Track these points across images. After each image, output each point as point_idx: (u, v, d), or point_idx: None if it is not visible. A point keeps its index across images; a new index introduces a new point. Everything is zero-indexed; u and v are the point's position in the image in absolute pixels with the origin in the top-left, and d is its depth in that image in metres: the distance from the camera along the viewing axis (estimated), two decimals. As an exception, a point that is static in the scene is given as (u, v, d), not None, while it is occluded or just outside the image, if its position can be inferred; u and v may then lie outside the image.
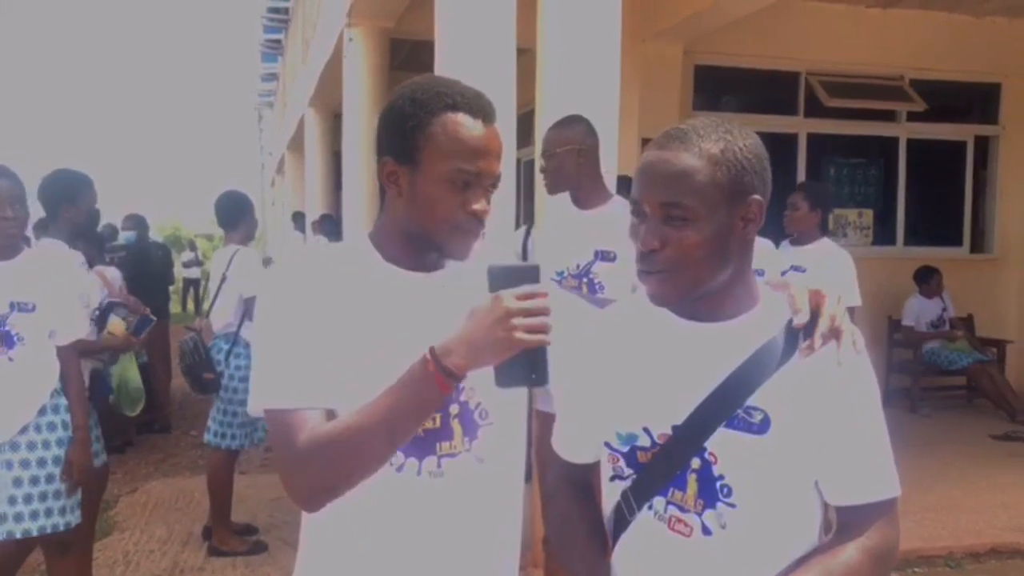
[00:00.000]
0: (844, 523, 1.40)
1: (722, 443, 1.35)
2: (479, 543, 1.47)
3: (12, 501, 3.03)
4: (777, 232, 4.82)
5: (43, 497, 3.09)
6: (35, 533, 3.09)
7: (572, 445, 1.58)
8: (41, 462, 3.09)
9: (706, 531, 1.36)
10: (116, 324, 3.87)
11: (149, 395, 6.69)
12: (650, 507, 1.41)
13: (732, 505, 1.35)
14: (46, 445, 3.11)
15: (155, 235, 12.83)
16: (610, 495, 1.48)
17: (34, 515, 3.07)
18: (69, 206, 3.77)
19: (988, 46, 8.61)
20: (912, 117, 8.76)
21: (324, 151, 12.66)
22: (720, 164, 1.32)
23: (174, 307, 15.32)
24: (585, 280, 3.23)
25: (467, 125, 1.40)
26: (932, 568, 4.44)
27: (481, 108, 1.43)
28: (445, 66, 4.04)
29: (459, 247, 1.44)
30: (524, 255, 3.64)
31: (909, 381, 8.11)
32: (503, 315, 1.25)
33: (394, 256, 1.47)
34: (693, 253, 1.33)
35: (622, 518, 1.45)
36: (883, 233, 9.00)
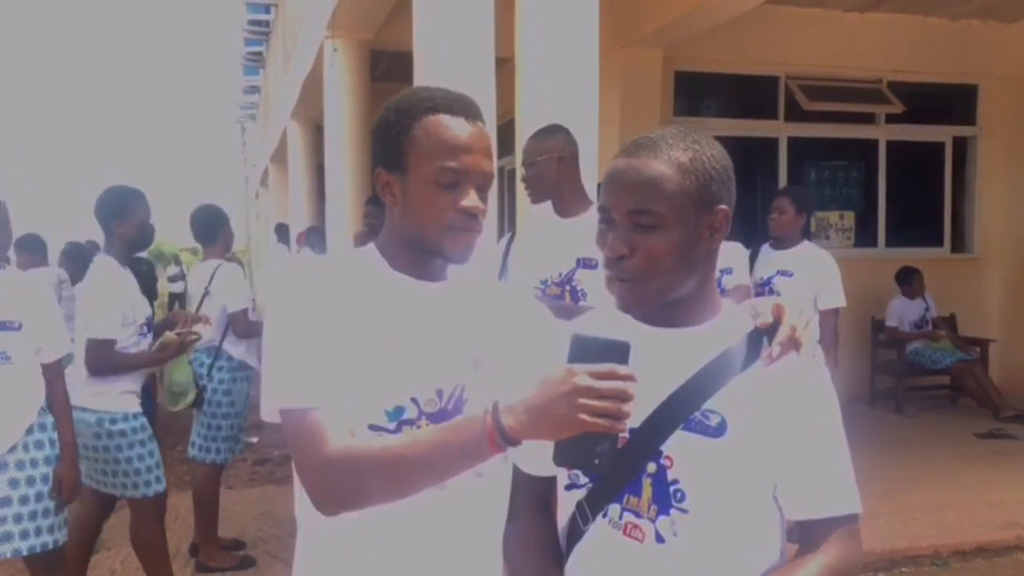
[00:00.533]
0: (804, 540, 1.39)
1: (678, 446, 1.35)
2: (479, 555, 1.48)
3: (2, 521, 3.02)
4: (762, 235, 4.84)
5: (33, 516, 3.08)
6: (25, 552, 3.08)
7: (533, 457, 1.51)
8: (30, 481, 3.08)
9: (659, 539, 1.35)
10: (170, 336, 3.95)
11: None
12: (604, 515, 1.39)
13: (684, 511, 1.34)
14: (34, 463, 3.10)
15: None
16: (565, 505, 1.46)
17: (24, 534, 3.06)
18: (120, 222, 3.73)
19: (964, 48, 8.71)
20: (891, 119, 8.84)
21: (307, 163, 12.63)
22: (689, 173, 1.34)
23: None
24: (568, 288, 3.24)
25: (448, 124, 1.40)
26: (919, 567, 4.46)
27: (463, 107, 1.43)
28: (424, 77, 4.05)
29: (457, 249, 1.43)
30: (506, 264, 3.64)
31: (894, 382, 8.17)
32: (569, 391, 1.17)
33: (401, 265, 1.47)
34: (661, 261, 1.34)
35: (576, 528, 1.43)
36: (864, 235, 9.05)
